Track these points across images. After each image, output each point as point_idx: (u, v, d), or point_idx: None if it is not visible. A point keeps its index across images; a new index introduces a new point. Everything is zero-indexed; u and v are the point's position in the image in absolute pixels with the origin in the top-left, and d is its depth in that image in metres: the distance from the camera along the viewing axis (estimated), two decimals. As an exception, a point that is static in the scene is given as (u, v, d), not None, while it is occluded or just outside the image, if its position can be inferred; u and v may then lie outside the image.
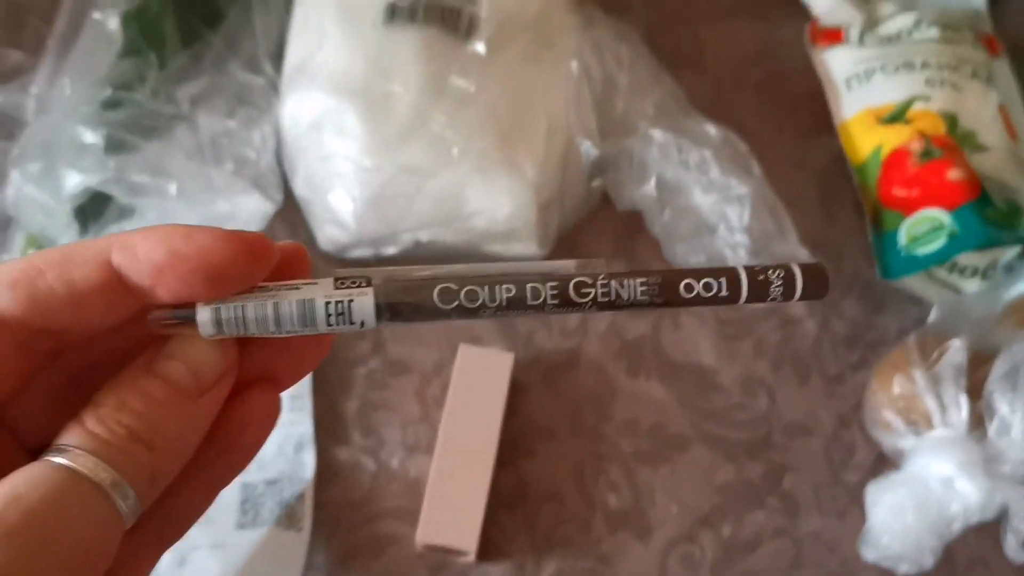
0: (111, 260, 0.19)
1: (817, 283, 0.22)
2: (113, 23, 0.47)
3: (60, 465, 0.18)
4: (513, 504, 0.48)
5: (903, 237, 0.51)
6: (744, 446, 0.50)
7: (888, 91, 0.54)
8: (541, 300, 0.21)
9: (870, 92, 0.55)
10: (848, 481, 0.50)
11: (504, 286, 0.21)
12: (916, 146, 0.52)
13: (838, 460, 0.50)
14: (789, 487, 0.50)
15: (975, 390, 0.45)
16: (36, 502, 0.17)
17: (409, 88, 0.48)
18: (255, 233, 0.20)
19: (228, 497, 0.47)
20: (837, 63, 0.57)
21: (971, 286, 0.51)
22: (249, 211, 0.48)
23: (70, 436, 0.19)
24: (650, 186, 0.51)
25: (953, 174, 0.50)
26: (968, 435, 0.44)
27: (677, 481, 0.49)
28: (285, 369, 0.22)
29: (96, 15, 0.48)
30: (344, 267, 0.51)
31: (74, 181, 0.44)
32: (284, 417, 0.48)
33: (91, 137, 0.45)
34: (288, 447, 0.48)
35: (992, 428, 0.44)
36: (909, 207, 0.51)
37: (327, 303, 0.20)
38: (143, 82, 0.47)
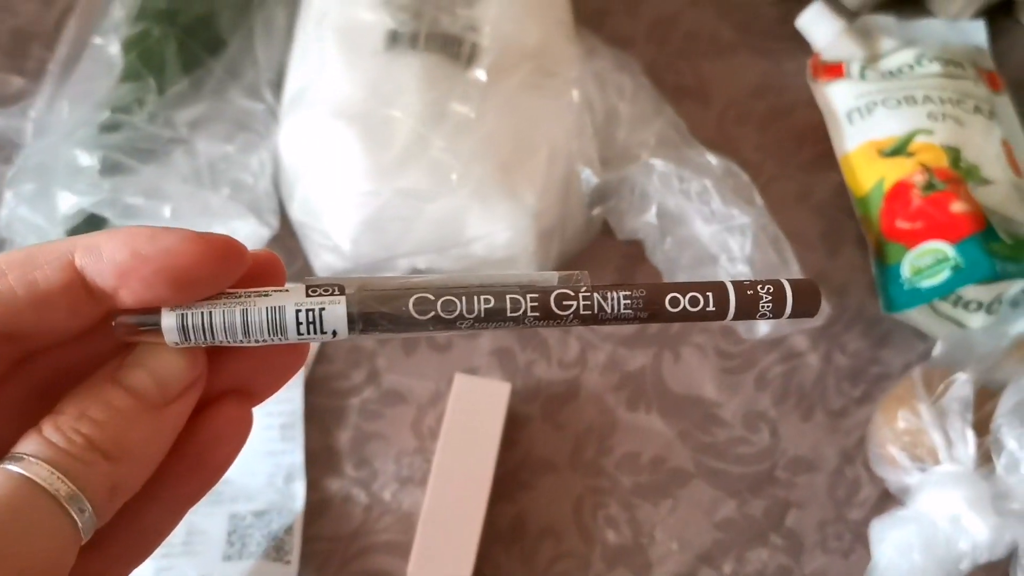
0: (74, 261, 0.19)
1: (808, 300, 0.21)
2: (114, 48, 0.47)
3: (13, 473, 0.17)
4: (510, 539, 0.47)
5: (906, 270, 0.50)
6: (746, 481, 0.49)
7: (890, 125, 0.54)
8: (521, 312, 0.20)
9: (872, 125, 0.55)
10: (852, 518, 0.49)
11: (483, 297, 0.20)
12: (919, 178, 0.51)
13: (842, 496, 0.49)
14: (792, 524, 0.48)
15: (981, 426, 0.44)
16: None
17: (409, 113, 0.48)
18: (224, 236, 0.19)
19: (214, 528, 0.46)
20: (838, 97, 0.57)
21: (975, 321, 0.50)
22: (244, 236, 0.47)
23: (26, 444, 0.18)
24: (651, 215, 0.51)
25: (957, 206, 0.49)
26: (975, 470, 0.43)
27: (678, 517, 0.48)
28: (259, 381, 0.21)
29: (97, 40, 0.49)
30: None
31: (68, 203, 0.44)
32: (275, 447, 0.47)
33: (87, 159, 0.45)
34: (278, 478, 0.47)
35: (1000, 464, 0.43)
36: (912, 240, 0.51)
37: (297, 311, 0.19)
38: (142, 106, 0.47)
